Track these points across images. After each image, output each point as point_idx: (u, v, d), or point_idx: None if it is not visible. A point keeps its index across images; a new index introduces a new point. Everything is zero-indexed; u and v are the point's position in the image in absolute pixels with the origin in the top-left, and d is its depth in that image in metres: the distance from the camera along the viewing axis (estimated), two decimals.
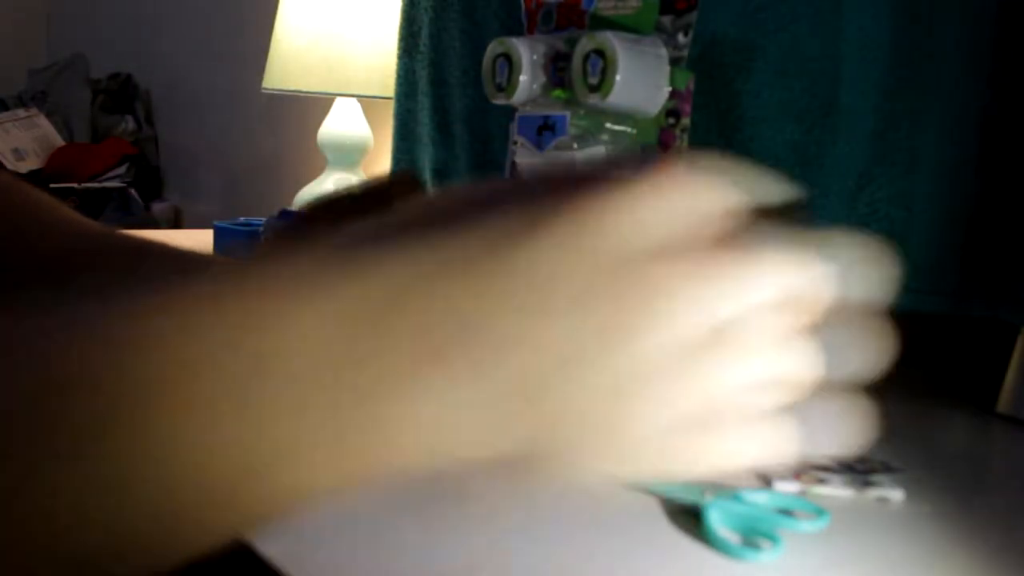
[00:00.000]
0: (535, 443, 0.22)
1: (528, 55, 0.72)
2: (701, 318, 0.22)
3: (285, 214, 0.84)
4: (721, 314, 0.22)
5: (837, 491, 0.40)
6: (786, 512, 0.37)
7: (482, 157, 0.98)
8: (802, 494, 0.40)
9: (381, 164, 1.42)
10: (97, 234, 0.40)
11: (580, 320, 0.22)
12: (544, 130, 0.70)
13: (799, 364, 0.23)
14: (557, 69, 0.71)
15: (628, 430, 0.22)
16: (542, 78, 0.72)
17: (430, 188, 1.05)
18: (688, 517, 0.37)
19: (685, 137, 0.67)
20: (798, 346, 0.23)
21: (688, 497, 0.37)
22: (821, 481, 0.41)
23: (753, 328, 0.22)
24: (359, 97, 1.34)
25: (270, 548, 0.30)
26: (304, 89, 1.32)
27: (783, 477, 0.40)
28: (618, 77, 0.65)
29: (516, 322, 0.21)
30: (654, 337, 0.22)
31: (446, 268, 0.22)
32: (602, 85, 0.65)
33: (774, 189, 0.24)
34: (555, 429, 0.22)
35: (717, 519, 0.35)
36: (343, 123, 1.39)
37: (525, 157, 0.73)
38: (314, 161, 1.54)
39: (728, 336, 0.22)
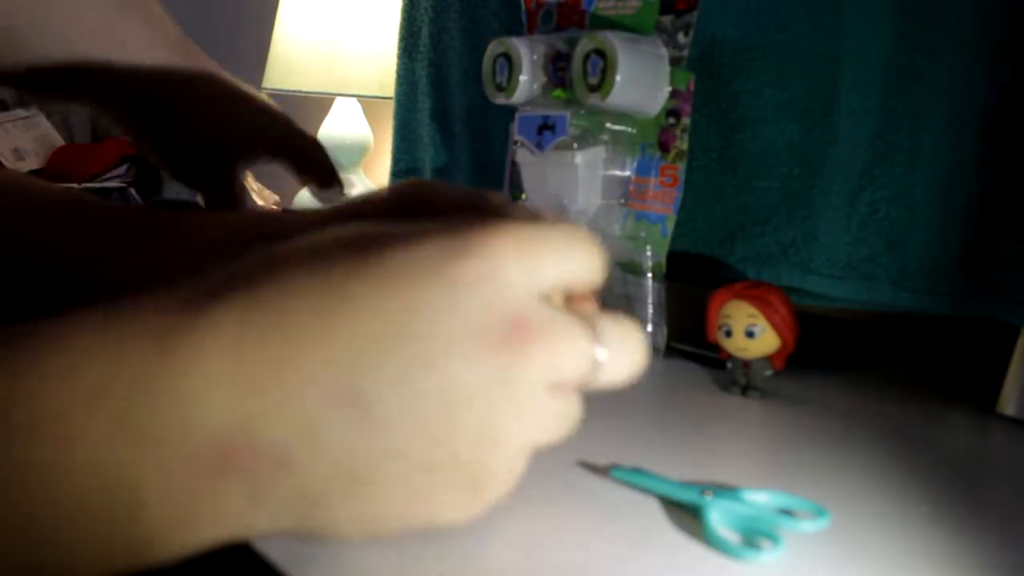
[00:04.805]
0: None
1: (528, 55, 0.72)
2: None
3: (286, 215, 0.84)
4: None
5: None
6: (786, 512, 0.37)
7: (482, 157, 0.98)
8: None
9: (381, 164, 1.42)
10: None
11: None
12: (544, 130, 0.70)
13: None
14: (557, 69, 0.71)
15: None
16: (542, 78, 0.72)
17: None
18: (687, 517, 0.37)
19: (685, 137, 0.67)
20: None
21: (688, 497, 0.37)
22: None
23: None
24: (359, 97, 1.34)
25: (270, 548, 0.30)
26: (304, 89, 1.32)
27: None
28: (618, 77, 0.65)
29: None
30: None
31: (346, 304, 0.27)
32: (602, 85, 0.65)
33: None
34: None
35: (717, 519, 0.35)
36: (343, 123, 1.39)
37: (525, 157, 0.73)
38: None
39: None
